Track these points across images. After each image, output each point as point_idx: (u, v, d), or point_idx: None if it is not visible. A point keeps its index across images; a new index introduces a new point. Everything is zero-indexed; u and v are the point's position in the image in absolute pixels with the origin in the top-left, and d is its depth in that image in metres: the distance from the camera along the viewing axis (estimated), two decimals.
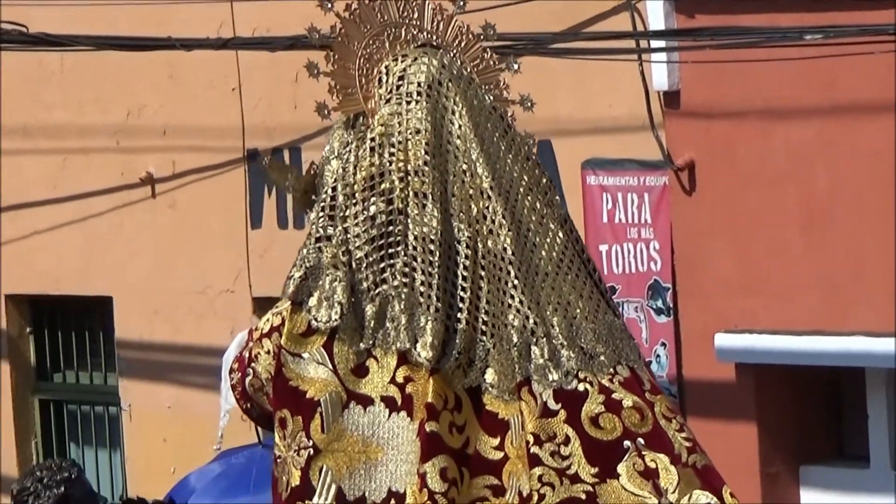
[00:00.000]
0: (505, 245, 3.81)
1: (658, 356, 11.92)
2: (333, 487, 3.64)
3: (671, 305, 11.67)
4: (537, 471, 3.53)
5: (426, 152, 3.95)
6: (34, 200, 13.89)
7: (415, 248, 3.83)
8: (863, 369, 11.03)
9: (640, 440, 3.56)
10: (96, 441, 14.41)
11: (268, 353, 3.87)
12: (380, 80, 4.07)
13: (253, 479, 9.51)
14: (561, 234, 3.83)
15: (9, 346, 14.40)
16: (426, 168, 3.93)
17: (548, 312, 3.80)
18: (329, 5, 4.02)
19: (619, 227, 12.10)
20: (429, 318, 3.74)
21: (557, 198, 4.01)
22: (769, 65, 11.43)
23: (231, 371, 4.43)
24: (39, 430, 14.57)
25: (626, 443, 3.55)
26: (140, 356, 12.80)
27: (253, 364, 3.99)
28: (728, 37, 11.24)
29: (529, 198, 3.96)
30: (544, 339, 3.70)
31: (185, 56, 12.28)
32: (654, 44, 11.60)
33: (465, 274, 3.79)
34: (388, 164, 3.95)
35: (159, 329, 12.85)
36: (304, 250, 3.91)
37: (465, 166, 3.97)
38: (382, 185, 3.90)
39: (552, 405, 3.55)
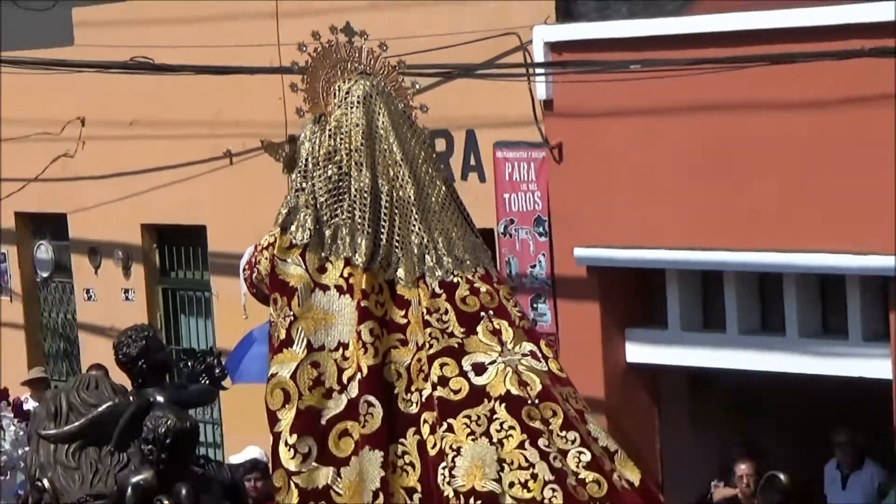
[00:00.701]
0: (409, 195, 5.63)
1: (540, 261, 15.50)
2: (305, 340, 5.52)
3: (548, 231, 15.27)
4: (428, 330, 5.34)
5: (362, 137, 5.71)
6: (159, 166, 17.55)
7: (355, 196, 5.63)
8: (663, 270, 15.05)
9: (491, 311, 5.49)
10: (197, 315, 18.76)
11: (266, 259, 5.73)
12: (334, 94, 5.94)
13: None
14: (444, 188, 5.73)
15: (143, 256, 18.70)
16: (362, 148, 5.68)
17: (435, 234, 5.59)
18: (304, 49, 5.93)
19: (517, 183, 15.69)
20: (363, 238, 5.53)
21: (442, 165, 6.14)
22: (612, 81, 14.66)
23: (244, 270, 6.56)
24: (161, 308, 18.94)
25: (482, 313, 5.47)
26: (223, 262, 16.45)
27: (257, 266, 5.86)
28: (583, 65, 15.00)
29: (424, 166, 5.75)
30: (433, 251, 5.53)
31: (249, 77, 16.19)
32: (538, 70, 14.98)
33: (385, 212, 5.57)
34: (339, 144, 5.74)
35: (232, 244, 15.62)
36: (288, 196, 5.81)
37: (385, 147, 5.74)
38: (335, 158, 5.70)
39: (437, 290, 5.42)
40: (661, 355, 15.44)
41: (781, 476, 12.69)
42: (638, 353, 15.52)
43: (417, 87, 6.69)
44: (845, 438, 14.11)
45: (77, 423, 9.97)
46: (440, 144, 15.79)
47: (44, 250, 20.84)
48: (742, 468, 14.11)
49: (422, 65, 13.37)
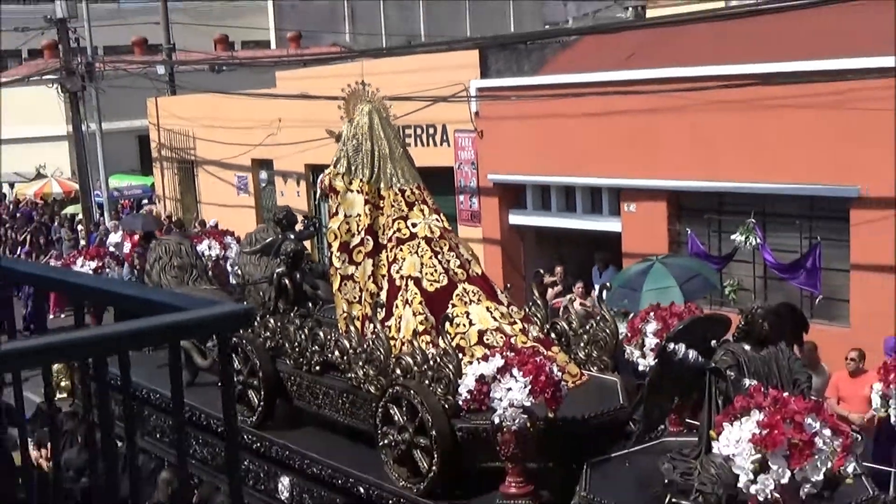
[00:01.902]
0: (386, 152, 11.76)
1: (472, 181, 25.23)
2: (343, 212, 11.60)
3: (476, 167, 24.85)
4: (393, 208, 11.62)
5: (367, 129, 11.77)
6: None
7: (364, 153, 11.70)
8: (525, 185, 24.81)
9: (420, 200, 11.74)
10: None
11: (328, 178, 11.95)
12: (354, 110, 12.01)
13: None
14: (403, 150, 12.10)
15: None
16: (367, 133, 11.78)
17: (397, 169, 11.78)
18: (346, 89, 12.11)
19: (463, 147, 25.18)
20: (367, 169, 11.64)
21: (409, 150, 12.55)
22: (504, 104, 24.10)
23: (319, 183, 12.96)
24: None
25: (416, 201, 11.69)
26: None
27: (323, 181, 12.21)
28: (491, 97, 24.34)
29: (395, 141, 12.05)
30: (397, 175, 11.76)
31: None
32: (472, 97, 24.39)
33: (377, 159, 11.64)
34: (357, 131, 11.82)
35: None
36: (337, 154, 12.03)
37: (377, 133, 11.81)
38: (355, 141, 11.81)
39: (397, 192, 11.65)
40: (526, 220, 25.15)
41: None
42: (514, 220, 25.15)
43: (390, 105, 12.04)
44: (601, 256, 22.83)
45: (259, 245, 14.39)
46: (430, 128, 26.10)
47: (264, 175, 33.44)
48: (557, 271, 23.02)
49: (415, 96, 23.30)
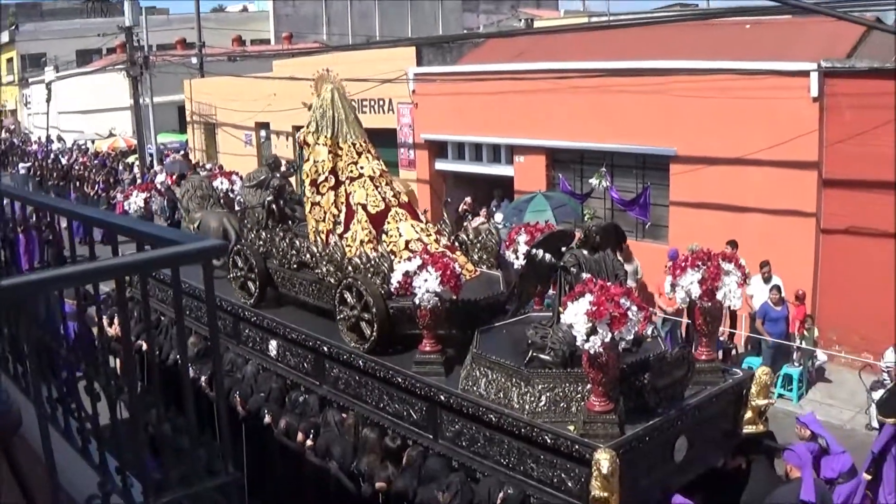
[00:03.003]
0: (342, 117, 10.86)
1: (410, 139, 25.21)
2: (312, 158, 10.91)
3: (412, 129, 25.02)
4: (347, 156, 10.90)
5: (331, 102, 10.79)
6: None
7: (328, 118, 10.79)
8: (447, 141, 24.60)
9: (364, 151, 11.03)
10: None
11: (301, 135, 11.05)
12: (321, 88, 10.97)
13: None
14: (354, 116, 11.11)
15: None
16: (329, 104, 10.80)
17: (352, 129, 10.96)
18: (315, 74, 11.10)
19: (403, 115, 25.27)
20: (330, 129, 10.77)
21: (359, 116, 11.37)
22: (433, 83, 24.25)
23: (298, 138, 11.60)
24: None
25: (362, 150, 11.02)
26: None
27: (300, 138, 11.20)
28: (424, 79, 24.39)
29: (352, 116, 11.01)
30: (353, 136, 10.93)
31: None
32: (411, 79, 24.48)
33: (337, 121, 10.82)
34: (323, 103, 10.83)
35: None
36: (309, 121, 10.96)
37: (338, 104, 10.83)
38: (321, 109, 10.78)
39: (351, 145, 10.95)
40: (448, 167, 25.27)
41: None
42: (439, 166, 25.27)
43: (348, 90, 11.15)
44: (499, 192, 23.65)
45: (255, 181, 13.19)
46: (381, 101, 25.82)
47: (263, 133, 33.28)
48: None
49: (371, 78, 23.48)
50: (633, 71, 19.54)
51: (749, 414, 9.10)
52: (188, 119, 39.30)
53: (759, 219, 17.79)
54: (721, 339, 16.88)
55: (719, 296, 8.70)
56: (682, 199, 19.28)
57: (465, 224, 20.03)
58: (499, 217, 20.62)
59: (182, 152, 39.03)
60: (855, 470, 10.44)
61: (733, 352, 17.38)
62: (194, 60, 39.75)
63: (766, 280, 16.80)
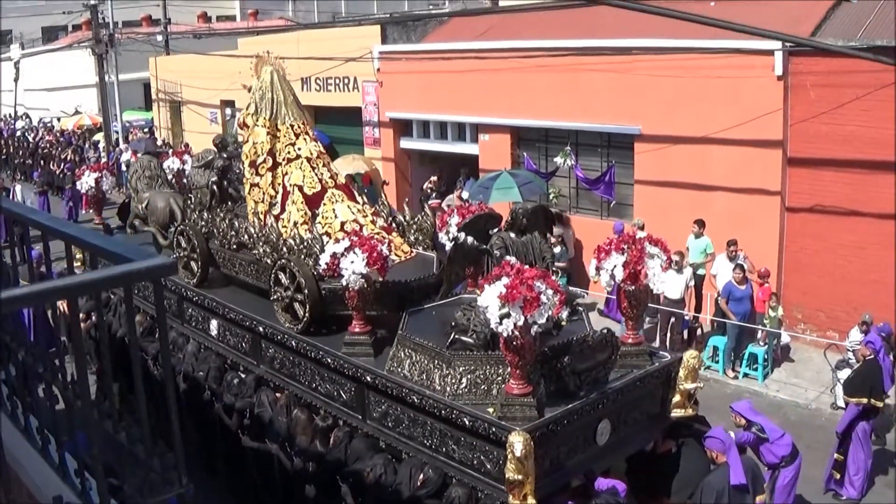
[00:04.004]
0: (282, 99, 11.39)
1: (374, 116, 25.23)
2: (251, 140, 11.35)
3: (377, 107, 25.11)
4: (287, 138, 11.31)
5: (270, 84, 11.37)
6: None
7: (268, 99, 11.34)
8: (412, 121, 24.57)
9: (302, 132, 11.44)
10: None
11: (241, 116, 11.58)
12: (261, 70, 11.54)
13: None
14: (293, 97, 11.54)
15: None
16: (269, 86, 11.40)
17: (290, 110, 11.42)
18: (254, 56, 11.70)
19: (368, 94, 25.32)
20: (269, 111, 11.31)
21: (300, 101, 11.85)
22: (399, 61, 24.23)
23: (237, 119, 12.08)
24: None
25: (300, 132, 11.43)
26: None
27: (238, 118, 11.76)
28: (389, 57, 24.42)
29: (290, 98, 11.48)
30: (291, 117, 11.41)
31: None
32: (376, 57, 24.43)
33: (276, 102, 11.35)
34: (263, 85, 11.41)
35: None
36: (248, 103, 11.56)
37: (277, 85, 11.40)
38: (260, 91, 11.40)
39: (289, 127, 11.39)
40: (413, 145, 25.43)
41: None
42: (405, 144, 25.55)
43: (288, 71, 11.62)
44: (465, 170, 23.76)
45: (202, 162, 13.50)
46: (346, 79, 25.86)
47: (228, 111, 32.70)
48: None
49: (336, 57, 23.77)
50: (597, 49, 19.71)
51: (678, 398, 9.32)
52: (154, 97, 39.46)
53: (725, 197, 18.04)
54: (686, 318, 17.33)
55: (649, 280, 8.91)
56: (647, 178, 19.46)
57: (428, 203, 20.46)
58: (465, 195, 20.84)
59: (147, 129, 39.39)
60: (796, 451, 10.70)
61: (698, 331, 17.69)
62: (159, 38, 40.14)
63: (732, 258, 17.10)
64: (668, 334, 17.22)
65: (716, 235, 17.42)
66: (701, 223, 17.58)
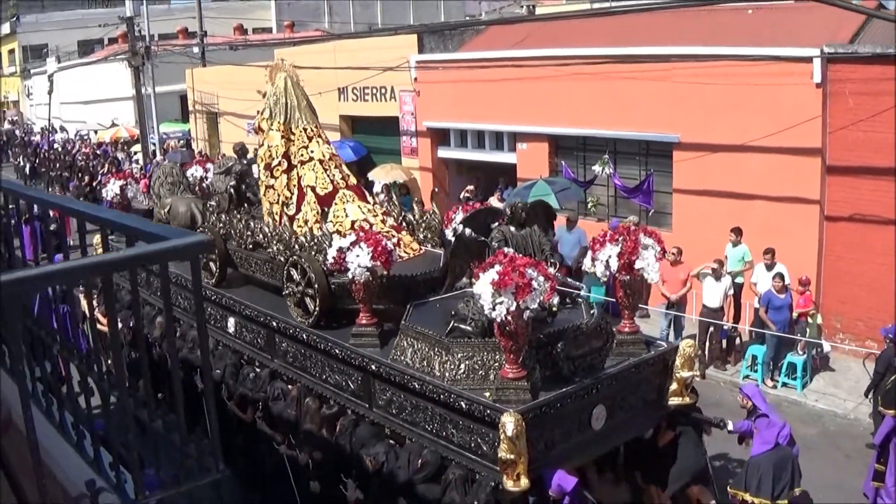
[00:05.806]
0: (295, 104, 12.11)
1: (412, 126, 25.69)
2: (267, 143, 12.14)
3: (415, 117, 25.53)
4: (300, 140, 12.07)
5: (284, 89, 12.11)
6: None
7: (282, 104, 12.05)
8: (449, 129, 25.18)
9: (316, 135, 12.23)
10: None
11: (256, 122, 12.41)
12: (275, 77, 12.24)
13: None
14: (307, 102, 12.25)
15: None
16: (283, 91, 12.12)
17: (304, 114, 12.15)
18: (269, 64, 12.46)
19: (405, 102, 25.67)
20: (283, 115, 12.02)
21: (314, 106, 12.48)
22: (436, 70, 24.75)
23: (251, 125, 14.81)
24: None
25: (313, 135, 12.19)
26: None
27: (254, 124, 12.51)
28: (426, 66, 24.94)
29: (304, 103, 12.21)
30: (305, 121, 12.14)
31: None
32: (413, 67, 24.94)
33: (290, 108, 12.08)
34: (277, 90, 12.14)
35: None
36: (263, 108, 12.33)
37: (291, 91, 12.13)
38: (275, 97, 12.14)
39: (303, 130, 12.14)
40: (450, 154, 26.01)
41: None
42: (442, 153, 26.13)
43: (302, 78, 12.18)
44: (503, 179, 23.97)
45: (223, 168, 14.03)
46: (383, 89, 26.39)
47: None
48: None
49: (373, 66, 24.44)
50: (635, 57, 20.14)
51: (674, 386, 9.94)
52: (190, 108, 40.49)
53: (763, 206, 18.32)
54: (725, 328, 17.70)
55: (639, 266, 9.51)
56: (686, 187, 19.81)
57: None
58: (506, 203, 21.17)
59: (184, 141, 40.43)
60: (793, 441, 11.14)
61: (737, 340, 18.08)
62: (196, 50, 40.95)
63: (770, 268, 17.37)
64: (707, 343, 17.49)
65: (754, 244, 17.67)
66: (738, 231, 17.91)
